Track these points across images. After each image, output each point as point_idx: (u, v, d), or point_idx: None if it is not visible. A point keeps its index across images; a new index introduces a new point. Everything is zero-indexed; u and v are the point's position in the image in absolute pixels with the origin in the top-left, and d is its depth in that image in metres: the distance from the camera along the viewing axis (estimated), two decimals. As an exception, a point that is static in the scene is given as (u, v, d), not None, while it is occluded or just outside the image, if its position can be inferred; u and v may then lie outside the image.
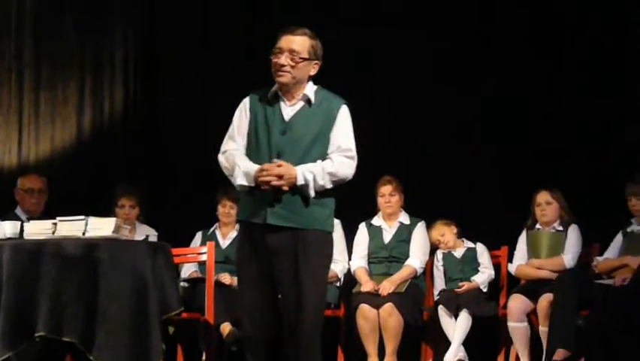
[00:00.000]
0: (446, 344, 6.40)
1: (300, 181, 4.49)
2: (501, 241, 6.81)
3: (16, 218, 6.34)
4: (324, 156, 4.59)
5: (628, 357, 5.51)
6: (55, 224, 5.10)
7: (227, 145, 4.70)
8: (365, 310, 6.44)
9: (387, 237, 6.81)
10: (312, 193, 4.52)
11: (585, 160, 7.13)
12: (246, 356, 4.69)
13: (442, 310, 6.46)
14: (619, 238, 6.34)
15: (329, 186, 4.58)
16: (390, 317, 6.39)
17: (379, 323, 6.42)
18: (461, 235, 6.79)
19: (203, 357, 6.32)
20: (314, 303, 4.54)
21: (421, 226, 6.81)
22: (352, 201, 7.16)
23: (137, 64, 8.19)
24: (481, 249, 6.73)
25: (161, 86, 8.17)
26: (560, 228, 6.55)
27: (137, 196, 6.91)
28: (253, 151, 4.61)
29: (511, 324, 6.35)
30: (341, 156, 4.60)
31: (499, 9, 7.55)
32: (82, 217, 5.07)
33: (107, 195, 6.93)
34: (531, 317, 6.35)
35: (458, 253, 6.72)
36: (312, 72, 4.65)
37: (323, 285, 4.71)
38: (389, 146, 7.44)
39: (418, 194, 6.99)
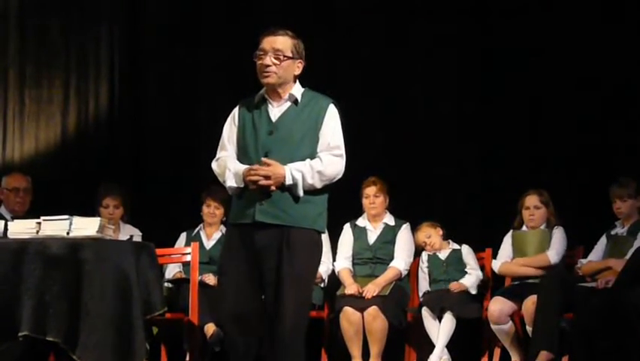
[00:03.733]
0: (430, 345, 6.40)
1: (289, 181, 4.50)
2: (485, 243, 6.82)
3: (0, 217, 6.32)
4: (313, 155, 4.60)
5: (611, 360, 5.53)
6: (39, 223, 5.07)
7: (219, 154, 4.76)
8: (349, 313, 6.44)
9: (372, 238, 6.81)
10: (300, 192, 4.54)
11: (569, 163, 7.14)
12: (229, 357, 4.67)
13: (425, 312, 6.46)
14: (603, 241, 6.36)
15: (318, 185, 4.59)
16: (375, 320, 6.39)
17: (363, 326, 6.42)
18: (447, 237, 6.80)
19: (187, 358, 6.32)
20: (294, 304, 4.51)
21: (405, 228, 6.82)
22: (337, 202, 7.15)
23: (122, 63, 8.17)
24: (466, 250, 6.74)
25: (146, 85, 8.15)
26: (545, 228, 6.57)
27: (121, 196, 6.89)
28: (242, 155, 4.65)
29: (493, 326, 6.36)
30: (330, 155, 4.62)
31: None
32: (66, 217, 5.05)
33: (91, 195, 6.91)
34: (515, 318, 6.37)
35: (443, 254, 6.73)
36: (297, 72, 4.68)
37: (307, 286, 4.68)
38: (375, 147, 7.45)
39: (403, 195, 7.00)
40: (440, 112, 7.48)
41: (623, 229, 6.31)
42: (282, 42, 4.62)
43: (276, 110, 4.66)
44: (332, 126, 4.67)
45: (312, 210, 4.64)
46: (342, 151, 4.68)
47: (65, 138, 8.07)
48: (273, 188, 4.49)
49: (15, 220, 5.39)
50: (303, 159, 4.57)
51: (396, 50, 7.58)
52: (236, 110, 4.77)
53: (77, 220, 5.05)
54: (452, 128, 7.50)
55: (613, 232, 6.35)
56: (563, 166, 7.14)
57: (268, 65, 4.58)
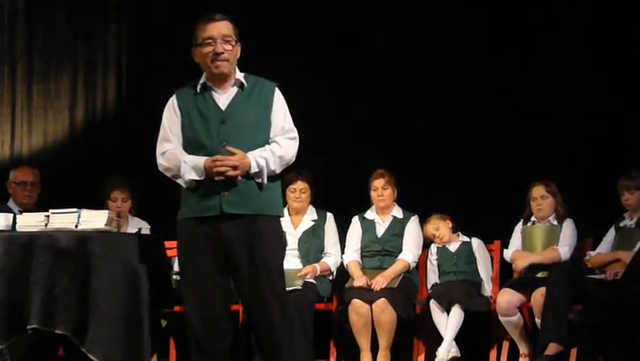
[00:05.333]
0: (439, 338, 6.40)
1: (254, 169, 4.47)
2: (494, 235, 6.81)
3: (9, 211, 6.33)
4: (267, 139, 4.57)
5: (619, 351, 5.53)
6: (47, 217, 5.09)
7: (163, 147, 4.65)
8: (358, 305, 6.43)
9: (381, 231, 6.80)
10: (265, 180, 4.52)
11: (578, 155, 7.13)
12: (191, 351, 4.65)
13: (434, 305, 6.45)
14: (611, 233, 6.36)
15: (279, 170, 4.58)
16: (384, 312, 6.38)
17: (372, 318, 6.41)
18: (456, 229, 6.80)
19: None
20: (275, 293, 4.52)
21: (414, 220, 6.81)
22: (346, 195, 7.20)
23: (130, 57, 8.17)
24: (477, 244, 6.72)
25: (154, 78, 8.14)
26: (555, 222, 6.56)
27: (129, 189, 6.91)
28: (194, 147, 4.55)
29: (501, 318, 6.36)
30: (285, 139, 4.60)
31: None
32: (74, 210, 5.06)
33: (99, 188, 6.92)
34: (523, 309, 6.36)
35: (453, 247, 6.73)
36: (238, 55, 4.63)
37: (281, 273, 4.66)
38: (383, 139, 7.44)
39: (411, 188, 6.99)
40: (450, 104, 7.46)
41: (632, 221, 6.30)
42: (226, 27, 4.57)
43: (223, 98, 4.59)
44: (282, 109, 4.64)
45: (273, 195, 4.62)
46: (296, 133, 4.66)
47: (73, 131, 8.09)
48: (239, 178, 4.45)
49: (24, 214, 5.39)
50: (260, 146, 4.53)
51: (406, 44, 7.56)
52: (174, 100, 4.67)
53: (86, 213, 5.06)
54: (461, 120, 7.48)
55: (621, 224, 6.34)
56: (572, 158, 7.12)
57: (221, 53, 4.52)
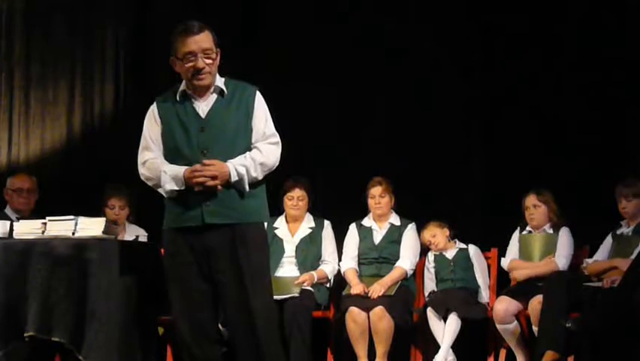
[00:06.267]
0: (436, 346, 6.39)
1: (234, 177, 4.43)
2: (491, 243, 6.81)
3: (6, 218, 6.34)
4: (248, 146, 4.53)
5: (617, 359, 5.53)
6: (44, 224, 5.09)
7: (144, 156, 4.62)
8: (355, 313, 6.43)
9: (378, 238, 6.80)
10: (246, 187, 4.47)
11: (575, 162, 7.13)
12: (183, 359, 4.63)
13: (431, 313, 6.44)
14: (608, 241, 6.35)
15: (261, 176, 4.54)
16: (381, 320, 6.38)
17: (369, 326, 6.41)
18: (453, 237, 6.80)
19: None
20: (262, 301, 4.49)
21: (411, 228, 6.81)
22: (343, 202, 7.20)
23: (127, 63, 8.17)
24: (473, 251, 6.72)
25: (151, 84, 8.13)
26: (551, 231, 6.56)
27: (126, 197, 6.90)
28: (175, 155, 4.53)
29: (498, 326, 6.36)
30: (267, 144, 4.56)
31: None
32: (71, 217, 5.06)
33: (97, 195, 6.92)
34: (520, 317, 6.36)
35: (450, 253, 6.73)
36: (218, 63, 4.60)
37: (267, 280, 4.62)
38: (381, 147, 7.44)
39: (409, 195, 6.99)
40: (447, 112, 7.47)
41: (629, 229, 6.30)
42: (206, 40, 4.52)
43: (202, 105, 4.56)
44: (263, 114, 4.59)
45: (257, 202, 4.57)
46: (278, 138, 4.62)
47: (71, 138, 8.08)
48: (219, 188, 4.42)
49: (21, 221, 5.40)
50: (241, 152, 4.49)
51: (400, 50, 7.56)
52: (154, 109, 4.66)
53: (83, 221, 5.06)
54: (459, 128, 7.49)
55: (619, 232, 6.34)
56: (568, 166, 7.12)
57: (203, 68, 4.49)
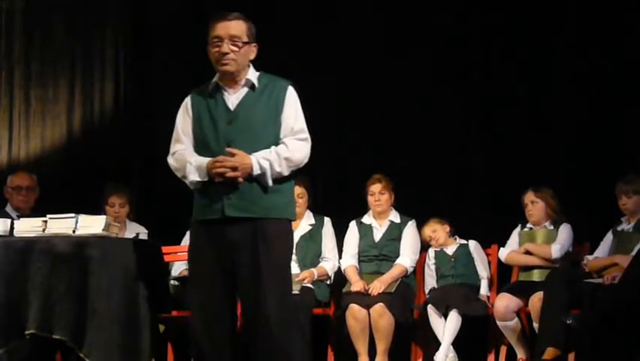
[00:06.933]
0: (436, 343, 6.40)
1: (256, 171, 4.37)
2: (491, 239, 6.81)
3: (7, 216, 6.34)
4: (276, 140, 4.47)
5: (617, 356, 5.53)
6: (45, 222, 5.09)
7: (174, 147, 4.60)
8: (355, 310, 6.43)
9: (378, 235, 6.80)
10: (269, 182, 4.40)
11: (576, 158, 7.13)
12: (192, 356, 4.55)
13: (431, 310, 6.45)
14: (609, 237, 6.36)
15: (286, 172, 4.46)
16: (382, 317, 6.39)
17: (370, 323, 6.42)
18: (454, 234, 6.80)
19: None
20: (276, 298, 4.39)
21: (411, 225, 6.81)
22: (343, 199, 7.21)
23: (127, 60, 8.17)
24: (474, 246, 6.73)
25: (151, 83, 8.15)
26: (551, 227, 6.57)
27: (127, 195, 6.91)
28: (202, 147, 4.49)
29: (499, 323, 6.36)
30: (294, 140, 4.49)
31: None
32: (72, 215, 5.06)
33: (97, 193, 6.92)
34: (521, 314, 6.37)
35: (450, 249, 6.73)
36: (252, 56, 4.55)
37: (286, 278, 4.55)
38: (380, 144, 7.44)
39: (409, 192, 6.99)
40: (446, 108, 7.47)
41: (629, 225, 6.30)
42: (236, 27, 4.48)
43: (233, 98, 4.51)
44: (294, 109, 4.53)
45: (281, 198, 4.49)
46: (307, 135, 4.55)
47: (71, 136, 8.09)
48: (240, 180, 4.35)
49: (21, 219, 5.40)
50: (267, 147, 4.42)
51: (398, 46, 7.56)
52: (188, 101, 4.62)
53: (83, 219, 5.06)
54: (458, 124, 7.49)
55: (619, 228, 6.34)
56: (569, 162, 7.12)
57: (227, 53, 4.45)
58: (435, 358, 6.33)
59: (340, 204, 7.16)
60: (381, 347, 6.41)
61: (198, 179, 4.43)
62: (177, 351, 6.70)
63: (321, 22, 7.68)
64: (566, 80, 7.24)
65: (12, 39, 8.10)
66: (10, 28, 8.10)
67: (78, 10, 8.17)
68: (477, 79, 7.46)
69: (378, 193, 6.80)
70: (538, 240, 6.57)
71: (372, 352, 6.45)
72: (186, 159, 4.49)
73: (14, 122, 8.04)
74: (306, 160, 4.55)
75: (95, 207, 6.39)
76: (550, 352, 5.85)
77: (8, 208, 6.85)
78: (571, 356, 6.00)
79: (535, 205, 6.57)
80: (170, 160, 4.61)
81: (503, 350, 6.53)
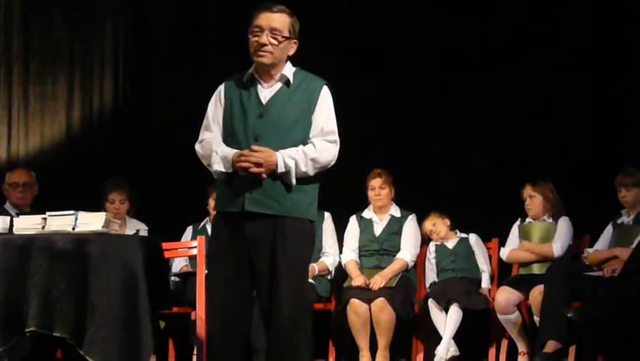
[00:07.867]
0: (437, 337, 6.40)
1: (281, 168, 4.28)
2: (492, 233, 6.81)
3: (6, 213, 6.33)
4: (305, 139, 4.39)
5: (619, 349, 5.53)
6: (44, 219, 5.08)
7: (203, 135, 4.51)
8: (356, 304, 6.44)
9: (378, 230, 6.80)
10: (293, 181, 4.32)
11: (575, 152, 7.13)
12: (209, 356, 4.50)
13: (432, 304, 6.45)
14: (609, 230, 6.36)
15: (311, 172, 4.37)
16: (383, 312, 6.39)
17: (371, 318, 6.42)
18: (454, 228, 6.80)
19: (195, 351, 6.32)
20: (292, 297, 4.31)
21: (412, 219, 6.81)
22: (343, 194, 7.19)
23: (126, 58, 8.16)
24: (474, 239, 6.73)
25: (150, 79, 8.14)
26: (550, 220, 6.57)
27: (126, 191, 6.90)
28: (230, 137, 4.41)
29: (500, 316, 6.37)
30: (323, 141, 4.40)
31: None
32: (71, 212, 5.04)
33: (97, 190, 6.92)
34: (522, 307, 6.37)
35: (451, 243, 6.74)
36: (291, 52, 4.46)
37: (303, 277, 4.47)
38: (380, 138, 7.44)
39: (409, 187, 6.99)
40: (446, 103, 7.47)
41: (629, 218, 6.31)
42: (279, 20, 4.38)
43: (266, 92, 4.42)
44: (326, 109, 4.44)
45: (304, 198, 4.40)
46: (337, 137, 4.46)
47: (70, 133, 8.07)
48: (264, 176, 4.28)
49: (21, 216, 5.39)
50: (295, 145, 4.35)
51: (402, 39, 7.56)
52: (221, 89, 4.52)
53: (83, 215, 5.04)
54: (458, 118, 7.49)
55: (619, 221, 6.35)
56: (569, 155, 7.12)
57: (265, 45, 4.35)
58: (436, 352, 6.33)
59: (340, 199, 7.15)
60: (383, 342, 6.41)
61: (222, 170, 4.35)
62: (178, 348, 6.70)
63: (322, 20, 7.66)
64: (569, 73, 7.23)
65: (10, 36, 8.08)
66: (9, 25, 8.08)
67: (77, 7, 8.14)
68: (477, 74, 7.45)
69: (378, 188, 6.80)
70: (538, 233, 6.57)
71: (373, 346, 6.46)
72: (213, 147, 4.40)
73: (13, 120, 8.02)
74: (333, 162, 4.46)
75: (94, 204, 6.38)
76: (551, 345, 5.86)
77: (7, 206, 6.84)
78: (572, 349, 6.00)
79: (533, 199, 6.57)
80: (197, 148, 4.50)
81: (504, 343, 6.53)
